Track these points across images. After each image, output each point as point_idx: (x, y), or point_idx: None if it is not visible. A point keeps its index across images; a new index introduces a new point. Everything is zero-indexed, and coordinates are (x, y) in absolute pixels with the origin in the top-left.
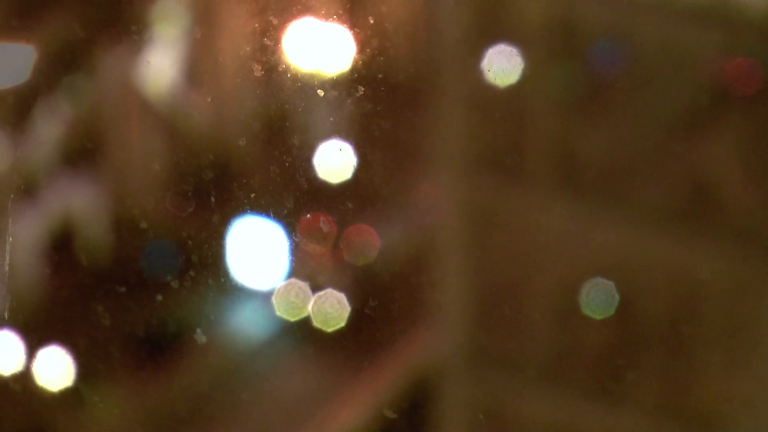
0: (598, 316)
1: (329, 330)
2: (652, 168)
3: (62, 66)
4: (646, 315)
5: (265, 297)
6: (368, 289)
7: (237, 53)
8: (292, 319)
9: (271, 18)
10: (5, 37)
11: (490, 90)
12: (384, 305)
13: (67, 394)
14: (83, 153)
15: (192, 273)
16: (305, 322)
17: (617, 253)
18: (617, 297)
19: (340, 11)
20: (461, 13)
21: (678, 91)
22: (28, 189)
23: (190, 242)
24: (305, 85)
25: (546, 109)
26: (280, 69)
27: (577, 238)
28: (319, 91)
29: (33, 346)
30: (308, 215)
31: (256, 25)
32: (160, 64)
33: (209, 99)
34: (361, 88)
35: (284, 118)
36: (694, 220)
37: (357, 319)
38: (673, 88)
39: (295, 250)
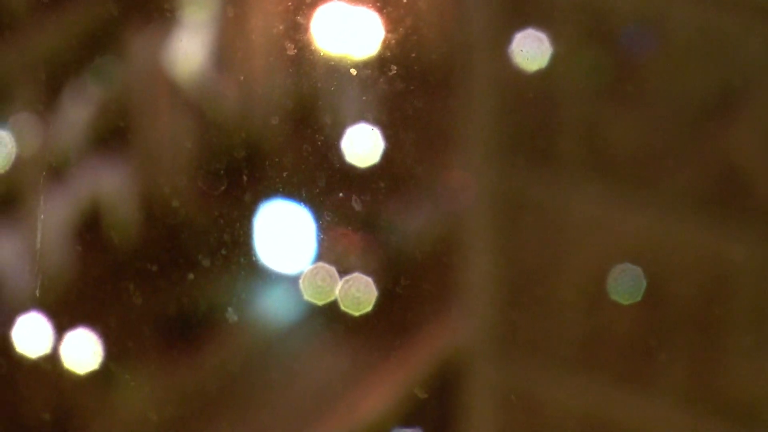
0: (625, 301)
1: (356, 314)
2: (682, 152)
3: (93, 46)
4: (677, 299)
5: (293, 281)
6: (396, 273)
7: (269, 32)
8: (320, 303)
9: None
10: (37, 15)
11: (521, 73)
12: (412, 289)
13: (97, 374)
14: (115, 132)
15: (224, 251)
16: (333, 306)
17: (647, 237)
18: (645, 282)
19: None
20: None
21: (709, 74)
22: (59, 169)
23: (221, 221)
24: (337, 64)
25: (576, 93)
26: (313, 48)
27: (607, 222)
28: (351, 69)
29: (64, 326)
30: (337, 198)
31: (289, 3)
32: (192, 43)
33: (241, 78)
34: (394, 67)
35: (316, 97)
36: (725, 204)
37: (386, 301)
38: (704, 71)
39: (323, 234)
